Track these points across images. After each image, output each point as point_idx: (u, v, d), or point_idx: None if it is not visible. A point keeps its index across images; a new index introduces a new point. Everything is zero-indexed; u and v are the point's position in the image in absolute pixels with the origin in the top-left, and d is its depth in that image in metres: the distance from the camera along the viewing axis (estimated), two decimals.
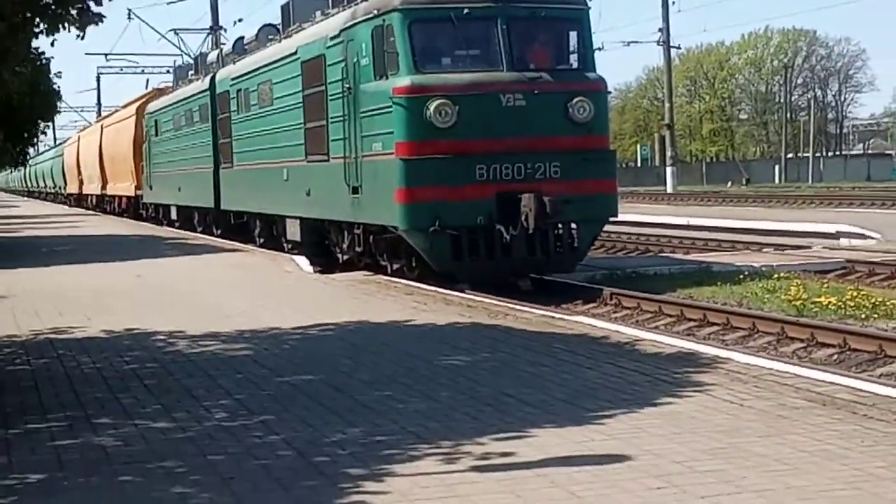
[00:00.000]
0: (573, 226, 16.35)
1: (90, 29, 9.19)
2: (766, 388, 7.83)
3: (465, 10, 15.79)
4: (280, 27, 23.06)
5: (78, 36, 9.15)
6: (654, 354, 9.41)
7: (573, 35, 16.82)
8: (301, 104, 19.64)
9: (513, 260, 15.78)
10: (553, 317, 12.09)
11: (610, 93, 18.40)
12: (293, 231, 20.97)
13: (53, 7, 8.72)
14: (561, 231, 16.29)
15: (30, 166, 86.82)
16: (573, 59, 16.88)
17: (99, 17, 9.10)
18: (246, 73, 23.77)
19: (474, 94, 15.58)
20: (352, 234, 17.99)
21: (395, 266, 16.91)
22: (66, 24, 8.97)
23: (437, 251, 15.61)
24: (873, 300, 13.93)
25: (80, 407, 8.00)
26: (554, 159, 15.85)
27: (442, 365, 9.18)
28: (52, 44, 9.23)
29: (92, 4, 8.89)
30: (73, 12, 8.80)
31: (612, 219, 17.39)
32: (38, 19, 8.95)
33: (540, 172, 15.76)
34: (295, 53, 19.94)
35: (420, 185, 15.49)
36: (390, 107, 15.77)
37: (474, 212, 15.44)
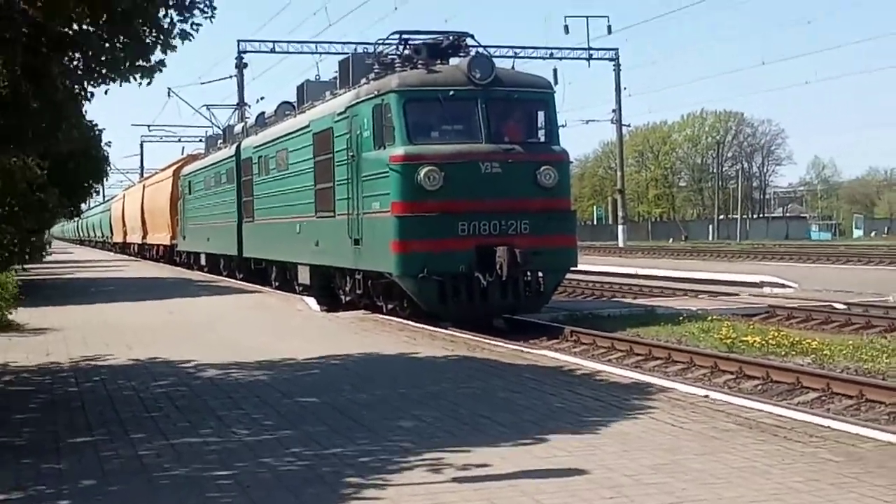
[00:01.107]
0: (540, 274, 16.35)
1: (137, 102, 9.20)
2: (702, 413, 7.80)
3: (451, 92, 15.91)
4: (295, 104, 23.14)
5: (147, 83, 8.97)
6: (608, 383, 9.38)
7: (541, 114, 16.94)
8: (312, 169, 19.65)
9: (489, 302, 15.75)
10: (522, 350, 12.04)
11: (571, 162, 18.49)
12: (304, 276, 20.93)
13: (105, 72, 8.65)
14: (529, 278, 16.26)
15: (82, 219, 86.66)
16: (541, 133, 16.95)
17: (161, 65, 8.92)
18: (266, 143, 23.80)
19: (458, 162, 15.63)
20: (353, 279, 17.96)
21: (390, 306, 16.86)
22: (134, 77, 8.83)
23: (426, 294, 15.59)
24: (792, 339, 13.92)
25: (120, 424, 7.93)
26: (524, 217, 15.89)
27: (428, 390, 9.12)
28: (110, 83, 8.99)
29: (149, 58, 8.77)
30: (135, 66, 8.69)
31: (572, 268, 17.37)
32: (104, 80, 8.83)
33: (512, 228, 15.80)
34: (307, 126, 20.00)
35: (411, 238, 15.50)
36: (387, 172, 15.81)
37: (457, 261, 15.46)
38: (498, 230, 15.71)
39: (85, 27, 8.21)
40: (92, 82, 8.99)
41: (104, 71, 8.69)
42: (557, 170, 16.28)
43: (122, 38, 8.39)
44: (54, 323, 16.28)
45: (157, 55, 8.83)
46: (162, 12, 8.58)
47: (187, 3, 8.67)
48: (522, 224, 15.85)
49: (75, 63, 8.40)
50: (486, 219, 15.65)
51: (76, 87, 8.66)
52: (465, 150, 15.77)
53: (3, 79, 7.57)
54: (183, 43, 8.93)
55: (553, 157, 16.45)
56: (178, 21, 8.72)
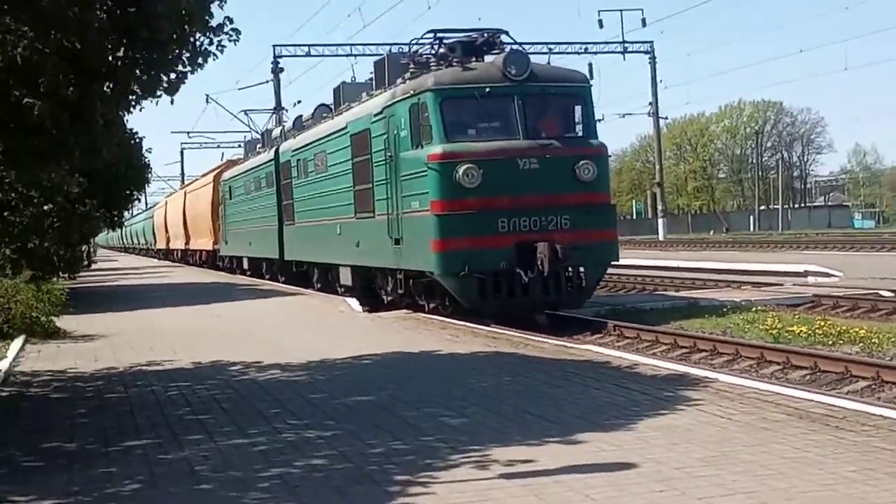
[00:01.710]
0: (581, 269, 16.24)
1: (176, 109, 9.23)
2: (750, 404, 7.69)
3: (487, 90, 15.84)
4: (332, 106, 23.19)
5: (171, 101, 9.09)
6: (653, 376, 9.29)
7: (578, 108, 16.79)
8: (350, 170, 19.68)
9: (530, 298, 15.66)
10: (565, 346, 11.97)
11: (610, 156, 18.33)
12: (345, 277, 20.98)
13: (144, 79, 8.73)
14: (571, 273, 16.16)
15: (126, 227, 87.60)
16: (578, 128, 16.82)
17: (183, 78, 9.01)
18: (304, 146, 23.89)
19: (496, 159, 15.57)
20: (395, 279, 17.96)
21: (432, 305, 16.84)
22: (157, 93, 8.93)
23: (467, 292, 15.55)
24: (839, 329, 13.73)
25: (168, 427, 7.97)
26: (564, 213, 15.79)
27: (471, 387, 9.09)
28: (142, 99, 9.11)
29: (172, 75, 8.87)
30: (164, 80, 8.78)
31: (613, 263, 17.19)
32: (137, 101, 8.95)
33: (552, 224, 15.70)
34: (345, 128, 20.03)
35: (451, 236, 15.46)
36: (425, 171, 15.80)
37: (497, 258, 15.39)
38: (538, 226, 15.62)
39: (120, 57, 8.27)
40: (128, 106, 9.12)
41: (138, 93, 8.80)
42: (596, 163, 16.15)
43: (156, 63, 8.48)
44: (101, 329, 16.44)
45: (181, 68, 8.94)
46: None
47: (216, 27, 8.78)
48: (562, 219, 15.75)
49: (110, 90, 8.47)
50: (526, 215, 15.58)
51: (112, 113, 8.75)
52: (503, 147, 15.71)
53: (43, 110, 7.62)
54: (207, 61, 9.02)
55: (591, 151, 16.33)
56: (208, 45, 8.82)
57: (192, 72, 8.88)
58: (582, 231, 15.77)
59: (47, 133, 8.08)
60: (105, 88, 8.39)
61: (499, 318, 15.59)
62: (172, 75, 8.69)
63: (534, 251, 15.31)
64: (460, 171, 15.40)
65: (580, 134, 16.74)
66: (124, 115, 9.25)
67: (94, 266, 52.91)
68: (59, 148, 8.66)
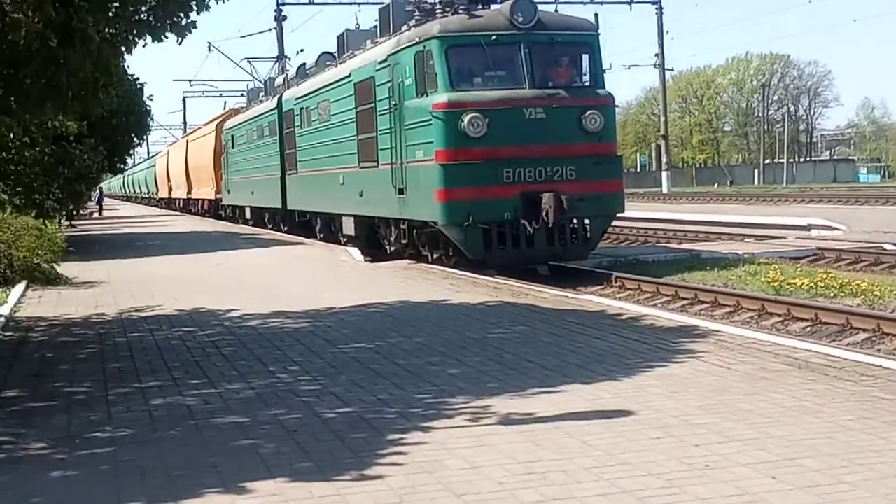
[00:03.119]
0: (586, 220, 16.14)
1: (178, 57, 9.15)
2: (750, 355, 7.71)
3: (493, 37, 15.66)
4: (336, 54, 23.00)
5: (178, 41, 8.98)
6: (653, 327, 9.30)
7: (585, 57, 16.56)
8: (354, 119, 19.56)
9: (535, 250, 15.61)
10: (566, 296, 11.99)
11: (618, 106, 18.13)
12: (348, 227, 20.94)
13: (153, 22, 8.63)
14: (576, 224, 16.06)
15: (127, 175, 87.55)
16: (585, 77, 16.59)
17: (192, 25, 8.92)
18: (307, 94, 23.72)
19: (502, 109, 15.42)
20: (398, 229, 17.91)
21: (435, 255, 16.81)
22: (166, 35, 8.83)
23: (471, 242, 15.47)
24: (840, 281, 13.72)
25: (168, 372, 8.00)
26: (570, 163, 15.65)
27: (472, 336, 9.10)
28: (144, 45, 9.00)
29: (183, 18, 8.77)
30: (169, 24, 8.68)
31: (618, 214, 17.02)
32: (140, 34, 8.83)
33: (558, 175, 15.57)
34: (349, 76, 19.88)
35: (456, 186, 15.36)
36: (430, 120, 15.67)
37: (502, 209, 15.31)
38: (543, 176, 15.49)
39: None
40: (128, 36, 8.96)
41: (140, 28, 8.67)
42: (603, 114, 15.99)
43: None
44: (102, 276, 16.47)
45: (192, 15, 8.81)
46: None
47: None
48: (568, 170, 15.62)
49: (111, 14, 8.33)
50: (531, 165, 15.46)
51: (113, 36, 8.59)
52: (509, 96, 15.56)
53: (30, 29, 7.47)
54: (217, 3, 8.90)
55: (598, 101, 16.16)
56: None
57: (198, 11, 8.77)
58: (588, 182, 15.64)
59: (36, 57, 7.89)
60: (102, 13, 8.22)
61: (503, 269, 15.58)
62: (178, 19, 8.59)
63: (539, 202, 15.23)
64: (465, 119, 15.29)
65: (587, 83, 16.52)
66: (127, 48, 9.07)
67: (95, 214, 52.95)
68: (52, 90, 8.55)
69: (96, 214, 53.41)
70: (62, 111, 11.30)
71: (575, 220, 15.97)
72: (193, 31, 8.88)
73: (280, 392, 7.04)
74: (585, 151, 15.81)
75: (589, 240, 16.37)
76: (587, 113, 15.79)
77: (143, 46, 9.12)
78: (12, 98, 8.90)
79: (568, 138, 15.69)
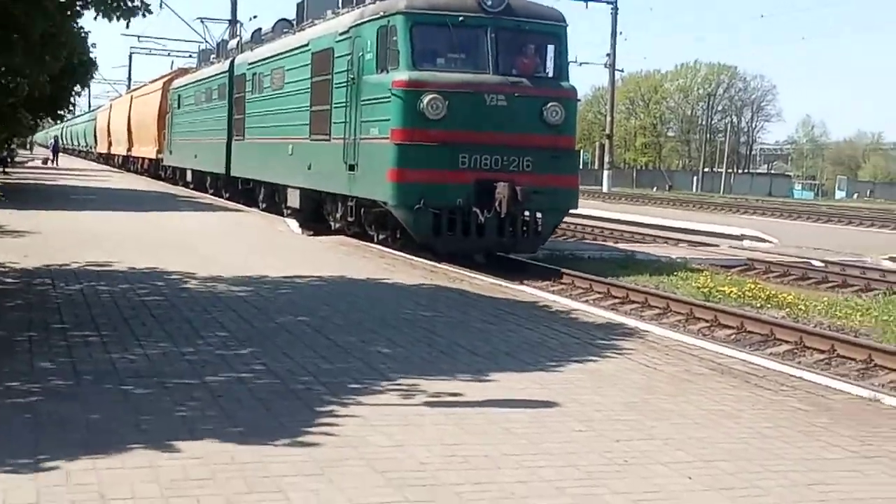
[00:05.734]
0: (538, 214, 15.93)
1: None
2: (676, 357, 7.82)
3: (461, 18, 15.40)
4: (294, 22, 22.68)
5: (126, 24, 8.86)
6: (584, 322, 9.38)
7: (551, 48, 16.28)
8: (309, 89, 19.20)
9: (484, 239, 15.37)
10: (501, 284, 12.02)
11: (580, 101, 17.92)
12: (293, 199, 20.54)
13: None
14: (528, 217, 15.87)
15: (66, 127, 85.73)
16: (550, 68, 16.32)
17: (146, 8, 8.80)
18: (262, 59, 23.33)
19: (463, 92, 15.16)
20: (346, 206, 17.53)
21: (381, 236, 16.47)
22: (118, 15, 8.68)
23: (420, 226, 15.17)
24: (768, 292, 13.98)
25: (95, 328, 7.88)
26: (527, 154, 15.43)
27: (405, 317, 9.10)
28: (95, 18, 8.87)
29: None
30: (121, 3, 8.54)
31: (571, 210, 16.77)
32: (93, 8, 8.68)
33: (514, 165, 15.34)
34: (307, 45, 19.53)
35: (410, 167, 15.06)
36: (389, 97, 15.37)
37: (455, 194, 15.04)
38: (499, 165, 15.25)
39: None
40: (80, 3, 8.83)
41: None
42: (565, 107, 15.78)
43: None
44: (33, 227, 16.15)
45: None
46: None
47: None
48: (525, 161, 15.40)
49: None
50: (488, 153, 15.21)
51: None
52: (471, 80, 15.31)
53: None
54: None
55: (561, 94, 15.96)
56: None
57: None
58: (544, 175, 15.39)
59: None
60: None
61: (450, 255, 15.38)
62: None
63: (493, 191, 14.96)
64: (425, 100, 14.99)
65: (551, 75, 16.28)
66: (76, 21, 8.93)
67: (29, 164, 51.84)
68: (7, 41, 8.37)
69: (51, 163, 52.47)
70: (12, 68, 11.03)
71: (527, 213, 15.81)
72: (144, 15, 8.77)
73: (208, 357, 6.97)
74: (544, 143, 15.60)
75: (540, 234, 16.19)
76: (549, 105, 15.59)
77: (94, 19, 8.99)
78: None
79: (527, 129, 15.48)
